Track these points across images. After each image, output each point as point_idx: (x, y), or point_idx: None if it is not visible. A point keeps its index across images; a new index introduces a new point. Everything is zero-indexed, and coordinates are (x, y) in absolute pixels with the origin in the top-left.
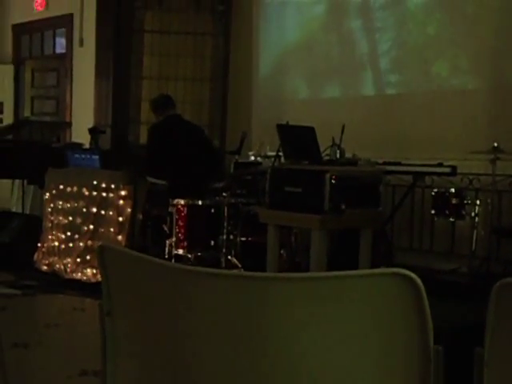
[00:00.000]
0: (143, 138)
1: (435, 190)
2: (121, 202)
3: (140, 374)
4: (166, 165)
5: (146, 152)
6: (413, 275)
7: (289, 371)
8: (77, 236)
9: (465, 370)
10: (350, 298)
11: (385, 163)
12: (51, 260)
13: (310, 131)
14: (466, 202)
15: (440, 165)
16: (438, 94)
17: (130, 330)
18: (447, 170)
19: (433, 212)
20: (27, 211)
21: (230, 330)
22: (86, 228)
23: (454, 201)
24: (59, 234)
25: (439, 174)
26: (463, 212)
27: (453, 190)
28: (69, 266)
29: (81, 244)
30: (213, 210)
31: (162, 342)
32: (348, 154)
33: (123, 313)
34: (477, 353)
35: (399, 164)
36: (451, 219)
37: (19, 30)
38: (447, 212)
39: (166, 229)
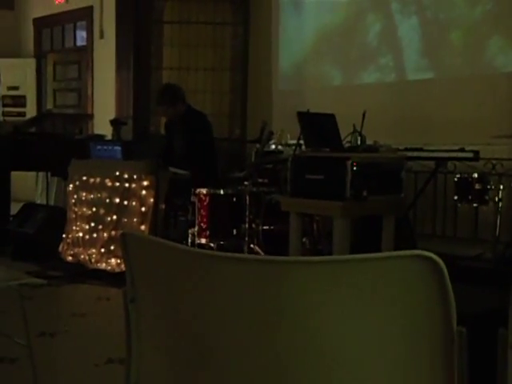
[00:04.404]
0: (164, 129)
1: (458, 175)
2: (143, 192)
3: (164, 361)
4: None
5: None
6: (434, 256)
7: (308, 356)
8: (100, 226)
9: (489, 353)
10: (371, 280)
11: (406, 149)
12: (76, 251)
13: (330, 118)
14: (489, 187)
15: (462, 150)
16: (460, 79)
17: (153, 317)
18: (470, 155)
19: (456, 198)
20: (51, 203)
21: (251, 313)
22: (109, 218)
23: (477, 186)
24: (83, 225)
25: (461, 160)
26: (486, 197)
27: (476, 175)
28: (93, 256)
29: (105, 234)
30: (235, 199)
31: (185, 328)
32: (369, 141)
33: (147, 300)
34: (500, 334)
35: (421, 150)
36: (474, 205)
37: (40, 23)
38: (470, 197)
39: (188, 218)
